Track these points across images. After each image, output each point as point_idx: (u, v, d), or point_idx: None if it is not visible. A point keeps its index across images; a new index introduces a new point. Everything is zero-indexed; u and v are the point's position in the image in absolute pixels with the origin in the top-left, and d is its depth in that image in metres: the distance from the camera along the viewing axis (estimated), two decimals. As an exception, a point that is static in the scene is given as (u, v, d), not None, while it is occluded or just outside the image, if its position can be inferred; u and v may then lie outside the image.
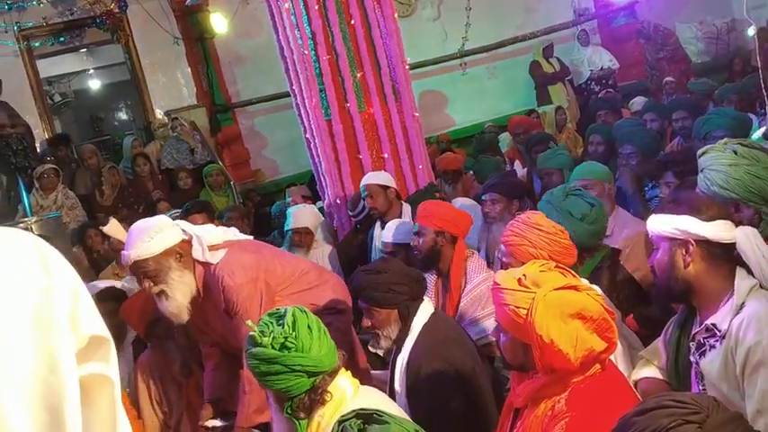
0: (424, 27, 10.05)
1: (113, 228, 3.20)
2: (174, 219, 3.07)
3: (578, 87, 10.17)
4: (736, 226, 2.01)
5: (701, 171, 2.54)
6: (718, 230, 1.98)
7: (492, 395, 2.74)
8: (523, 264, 2.01)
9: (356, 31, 4.84)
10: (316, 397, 2.08)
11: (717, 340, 1.98)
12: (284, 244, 4.81)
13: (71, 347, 0.84)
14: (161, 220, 2.93)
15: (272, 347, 2.05)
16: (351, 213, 4.90)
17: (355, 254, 4.74)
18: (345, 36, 4.84)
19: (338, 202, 5.04)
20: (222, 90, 9.49)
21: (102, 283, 3.63)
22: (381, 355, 3.52)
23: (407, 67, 5.19)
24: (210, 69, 9.39)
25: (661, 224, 2.05)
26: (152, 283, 2.83)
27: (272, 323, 2.11)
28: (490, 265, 3.68)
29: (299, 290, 3.13)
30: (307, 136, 5.24)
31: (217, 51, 9.49)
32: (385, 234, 4.01)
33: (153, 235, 2.79)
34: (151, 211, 6.34)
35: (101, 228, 4.41)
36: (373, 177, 4.56)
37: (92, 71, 12.97)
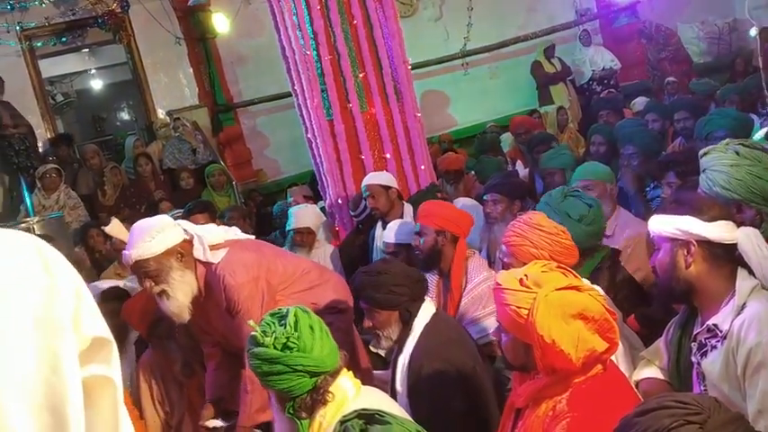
0: (426, 27, 10.05)
1: (115, 228, 3.20)
2: (176, 219, 3.07)
3: (580, 87, 10.17)
4: (738, 226, 2.01)
5: (703, 171, 2.54)
6: (720, 231, 1.98)
7: (493, 395, 2.74)
8: (525, 264, 2.02)
9: (358, 32, 4.85)
10: (317, 397, 2.09)
11: (718, 341, 1.98)
12: (286, 244, 4.82)
13: (73, 349, 0.84)
14: (162, 220, 2.94)
15: (274, 347, 2.06)
16: (352, 213, 4.91)
17: (357, 254, 4.74)
18: (347, 36, 4.84)
19: (340, 202, 5.04)
20: (224, 90, 9.50)
21: (106, 283, 3.64)
22: (383, 355, 3.53)
23: (409, 67, 5.19)
24: (212, 69, 9.39)
25: (663, 224, 2.05)
26: (153, 283, 2.83)
27: (274, 323, 2.12)
28: (492, 265, 3.68)
29: (300, 289, 3.13)
30: (308, 136, 5.24)
31: (219, 51, 9.49)
32: (386, 234, 4.02)
33: (154, 235, 2.80)
34: (153, 211, 6.34)
35: (103, 228, 4.42)
36: (375, 177, 4.56)
37: (94, 71, 12.98)
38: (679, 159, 3.74)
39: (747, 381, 1.88)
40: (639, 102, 7.80)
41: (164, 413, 3.36)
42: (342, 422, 1.69)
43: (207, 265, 2.93)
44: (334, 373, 2.12)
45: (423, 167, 5.08)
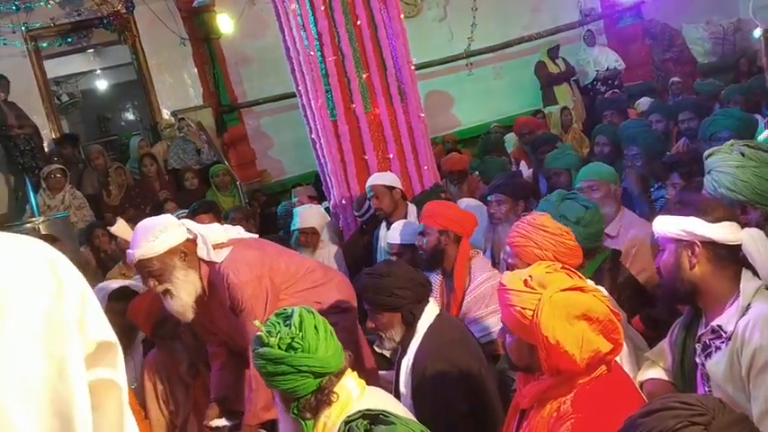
0: (430, 27, 10.05)
1: (121, 228, 3.20)
2: (180, 219, 3.08)
3: (584, 88, 10.16)
4: (742, 228, 2.01)
5: (708, 173, 2.54)
6: (724, 232, 1.98)
7: (497, 396, 2.74)
8: (529, 265, 2.01)
9: (362, 32, 4.85)
10: (322, 397, 2.09)
11: (722, 342, 1.98)
12: (292, 243, 4.82)
13: (80, 352, 0.85)
14: (166, 220, 2.94)
15: (279, 348, 2.06)
16: (356, 214, 4.91)
17: (361, 254, 4.74)
18: (351, 37, 4.85)
19: (344, 202, 5.04)
20: (228, 90, 9.51)
21: (115, 283, 3.65)
22: (387, 356, 3.53)
23: (413, 67, 5.19)
24: (217, 70, 9.41)
25: (667, 225, 2.05)
26: (157, 282, 2.84)
27: (279, 323, 2.12)
28: (496, 265, 3.68)
29: (303, 288, 3.13)
30: (312, 136, 5.25)
31: (223, 52, 9.51)
32: (391, 235, 4.02)
33: (157, 234, 2.80)
34: (158, 211, 6.35)
35: (108, 228, 4.43)
36: (379, 178, 4.56)
37: (99, 71, 13.02)
38: (683, 160, 3.74)
39: (752, 382, 1.88)
40: (644, 102, 7.79)
41: (168, 413, 3.36)
42: (346, 422, 1.70)
43: (210, 264, 2.93)
44: (339, 374, 2.13)
45: (426, 168, 5.08)
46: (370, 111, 4.92)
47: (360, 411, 1.72)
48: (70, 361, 0.82)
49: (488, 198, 4.16)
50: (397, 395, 2.70)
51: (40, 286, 0.83)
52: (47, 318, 0.82)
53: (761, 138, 3.43)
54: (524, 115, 8.51)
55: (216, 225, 3.26)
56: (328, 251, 4.85)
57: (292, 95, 5.69)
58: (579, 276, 1.89)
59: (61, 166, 7.37)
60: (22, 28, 8.56)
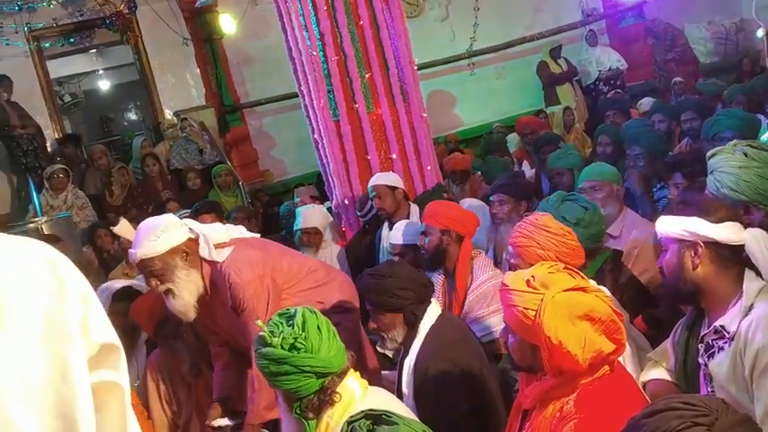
0: (432, 27, 10.05)
1: (123, 228, 3.21)
2: (182, 219, 3.08)
3: (587, 88, 10.15)
4: (745, 228, 2.01)
5: (711, 173, 2.54)
6: (727, 232, 1.98)
7: (500, 396, 2.74)
8: (531, 265, 2.02)
9: (364, 32, 4.85)
10: (325, 398, 2.09)
11: (725, 342, 1.97)
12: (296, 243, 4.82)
13: (82, 354, 0.84)
14: (168, 219, 2.94)
15: (282, 348, 2.06)
16: (359, 214, 4.91)
17: (363, 254, 4.75)
18: (354, 37, 4.85)
19: (346, 202, 5.05)
20: (231, 91, 9.52)
21: (119, 283, 3.65)
22: (390, 356, 3.53)
23: (415, 67, 5.20)
24: (219, 70, 9.42)
25: (670, 226, 2.05)
26: (158, 282, 2.84)
27: (281, 323, 2.12)
28: (498, 265, 3.68)
29: (306, 287, 3.13)
30: (315, 136, 5.25)
31: (225, 52, 9.52)
32: (394, 236, 4.02)
33: (159, 234, 2.81)
34: (160, 211, 6.35)
35: (111, 228, 4.43)
36: (381, 178, 4.57)
37: (101, 72, 13.04)
38: (686, 160, 3.74)
39: (755, 382, 1.87)
40: (646, 102, 7.78)
41: (171, 413, 3.36)
42: (349, 423, 1.70)
43: (212, 263, 2.93)
44: (342, 374, 2.13)
45: (429, 168, 5.08)
46: (373, 111, 4.92)
47: (363, 411, 1.72)
48: (73, 363, 0.82)
49: (491, 198, 4.16)
50: (400, 395, 2.70)
51: (40, 286, 0.83)
52: (47, 318, 0.81)
53: (764, 138, 3.43)
54: (527, 115, 8.50)
55: (218, 225, 3.26)
56: (331, 251, 4.85)
57: (295, 95, 5.69)
58: (582, 277, 1.89)
59: (64, 167, 7.39)
60: (25, 28, 8.57)
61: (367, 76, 4.88)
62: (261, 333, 2.13)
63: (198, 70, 9.41)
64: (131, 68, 10.47)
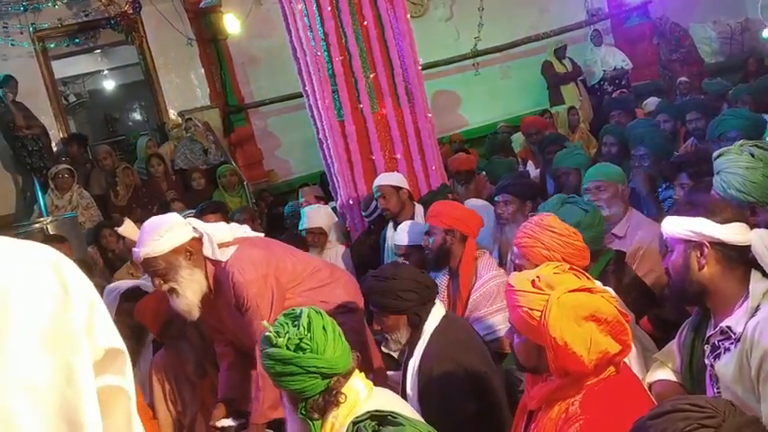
0: (437, 27, 10.04)
1: (128, 228, 3.22)
2: (187, 219, 3.08)
3: (592, 88, 10.14)
4: (751, 228, 2.00)
5: (718, 173, 2.53)
6: (733, 233, 1.97)
7: (505, 397, 2.73)
8: (536, 266, 2.01)
9: (369, 32, 4.85)
10: (330, 398, 2.09)
11: (732, 343, 1.97)
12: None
13: (88, 359, 0.84)
14: (171, 218, 2.95)
15: (287, 348, 2.06)
16: (363, 214, 4.91)
17: (368, 254, 4.74)
18: (358, 37, 4.85)
19: (351, 202, 5.04)
20: (235, 91, 9.53)
21: (127, 283, 3.66)
22: (395, 356, 3.53)
23: (420, 67, 5.19)
24: (224, 70, 9.43)
25: (676, 226, 2.04)
26: (162, 281, 2.85)
27: (287, 324, 2.12)
28: (503, 266, 3.68)
29: (310, 287, 3.13)
30: (319, 136, 5.25)
31: (230, 52, 9.53)
32: (398, 236, 4.01)
33: (162, 233, 2.81)
34: (165, 211, 6.31)
35: (116, 228, 4.44)
36: (386, 178, 4.56)
37: (106, 72, 13.06)
38: (691, 160, 3.73)
39: (762, 383, 1.87)
40: (651, 102, 7.77)
41: (176, 413, 3.37)
42: (354, 423, 1.70)
43: (216, 262, 2.93)
44: (347, 375, 2.13)
45: (434, 168, 5.08)
46: (377, 111, 4.92)
47: (368, 412, 1.72)
48: (78, 367, 0.81)
49: (495, 198, 4.15)
50: (404, 397, 2.70)
51: (44, 290, 0.82)
52: (52, 321, 0.81)
53: (770, 138, 3.42)
54: (531, 115, 8.48)
55: (222, 224, 3.26)
56: (335, 251, 4.85)
57: (299, 96, 5.69)
58: (587, 277, 1.88)
59: (69, 167, 7.40)
60: (30, 29, 8.60)
61: (371, 76, 4.88)
62: (266, 333, 2.14)
63: (202, 70, 9.43)
64: (136, 69, 10.49)
